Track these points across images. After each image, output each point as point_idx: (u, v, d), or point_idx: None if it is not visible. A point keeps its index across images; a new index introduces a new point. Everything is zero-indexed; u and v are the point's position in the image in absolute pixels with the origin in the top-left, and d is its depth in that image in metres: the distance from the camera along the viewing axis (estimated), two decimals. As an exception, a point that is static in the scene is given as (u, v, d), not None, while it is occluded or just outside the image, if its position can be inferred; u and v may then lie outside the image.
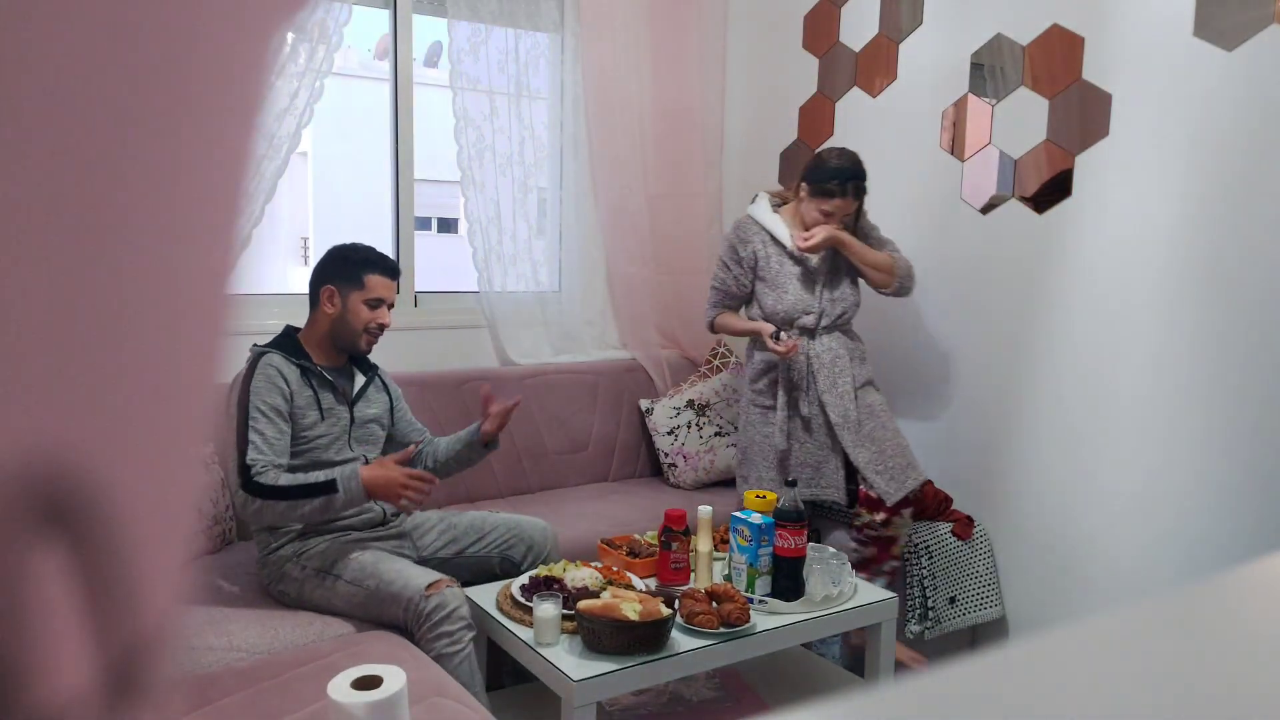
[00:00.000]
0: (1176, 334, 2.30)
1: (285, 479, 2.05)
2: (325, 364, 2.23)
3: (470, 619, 2.03)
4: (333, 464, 2.17)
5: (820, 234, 2.52)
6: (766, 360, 2.66)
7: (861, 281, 2.69)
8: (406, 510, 2.17)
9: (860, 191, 2.56)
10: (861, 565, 2.57)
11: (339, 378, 2.24)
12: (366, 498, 2.08)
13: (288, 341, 2.21)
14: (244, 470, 2.04)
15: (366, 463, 2.23)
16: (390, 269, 2.25)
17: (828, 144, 3.24)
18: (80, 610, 0.16)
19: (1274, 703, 0.34)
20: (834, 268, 2.65)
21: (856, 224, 2.63)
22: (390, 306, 2.25)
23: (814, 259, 2.62)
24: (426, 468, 2.41)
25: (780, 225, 2.66)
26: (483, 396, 2.35)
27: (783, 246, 2.64)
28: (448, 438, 2.42)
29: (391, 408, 2.36)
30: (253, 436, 2.05)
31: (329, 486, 2.04)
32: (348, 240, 2.31)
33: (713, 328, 2.79)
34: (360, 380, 2.29)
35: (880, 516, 2.56)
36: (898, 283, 2.61)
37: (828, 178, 2.53)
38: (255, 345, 2.20)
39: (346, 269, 2.21)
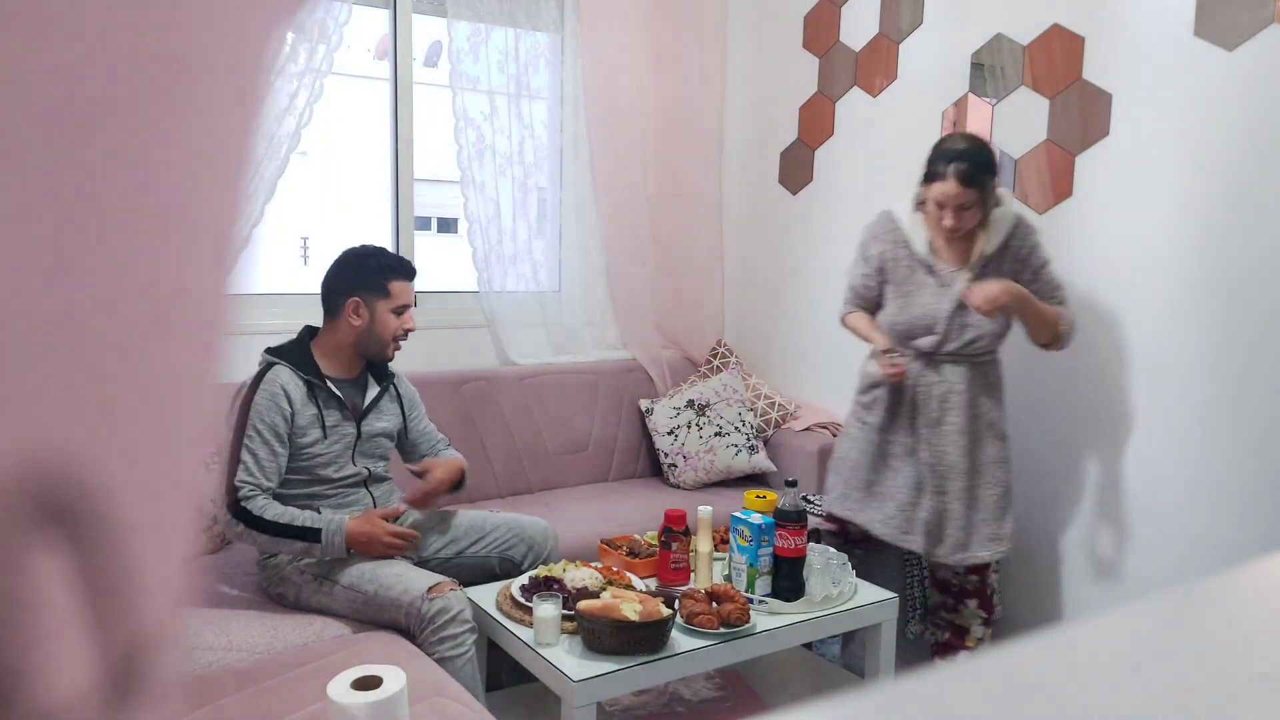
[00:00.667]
0: (1177, 333, 2.30)
1: (272, 512, 2.03)
2: (338, 375, 2.19)
3: (473, 622, 2.03)
4: (332, 480, 2.16)
5: (995, 289, 2.15)
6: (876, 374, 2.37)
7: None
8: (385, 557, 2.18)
9: (969, 178, 2.15)
10: (938, 650, 2.49)
11: (350, 391, 2.20)
12: (346, 551, 2.07)
13: (300, 352, 2.16)
14: (232, 490, 2.02)
15: (370, 475, 2.23)
16: (409, 271, 2.22)
17: (828, 142, 3.24)
18: (80, 610, 0.16)
19: (1272, 701, 0.34)
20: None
21: (984, 220, 2.24)
22: (412, 307, 2.24)
23: (957, 279, 2.27)
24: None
25: (917, 227, 2.33)
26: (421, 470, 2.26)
27: (914, 250, 2.33)
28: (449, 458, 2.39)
29: (404, 417, 2.33)
30: (245, 456, 2.04)
31: (313, 535, 2.04)
32: (351, 241, 2.29)
33: (843, 323, 2.50)
34: (373, 392, 2.25)
35: (948, 600, 2.46)
36: (1060, 343, 2.29)
37: (934, 160, 2.22)
38: (268, 352, 2.15)
39: (370, 278, 2.16)
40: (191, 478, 0.20)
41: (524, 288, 3.20)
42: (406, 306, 2.21)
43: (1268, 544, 2.12)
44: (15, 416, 0.15)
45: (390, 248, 3.05)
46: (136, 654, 0.17)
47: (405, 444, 2.37)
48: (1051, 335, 2.27)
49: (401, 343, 2.23)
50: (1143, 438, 2.39)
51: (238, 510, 2.02)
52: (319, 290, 2.23)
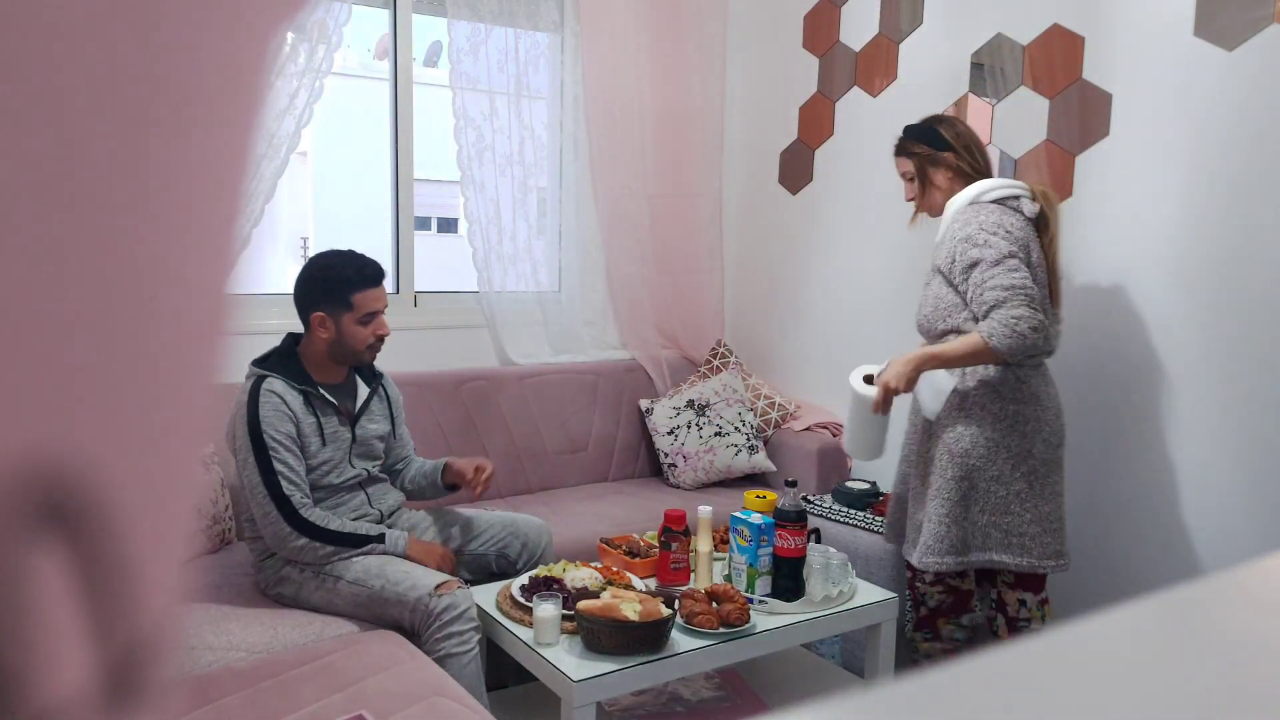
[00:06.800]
0: (1176, 333, 2.30)
1: (335, 524, 2.07)
2: (327, 381, 2.18)
3: (478, 620, 2.03)
4: (333, 486, 2.16)
5: (889, 375, 2.12)
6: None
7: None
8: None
9: (897, 147, 2.32)
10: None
11: (342, 396, 2.20)
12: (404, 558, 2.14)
13: (289, 362, 2.15)
14: (283, 503, 2.03)
15: (369, 475, 2.24)
16: (374, 277, 2.16)
17: (828, 142, 3.24)
18: (80, 610, 0.16)
19: (1273, 703, 0.34)
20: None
21: (923, 195, 2.28)
22: (384, 311, 2.18)
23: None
24: (403, 488, 2.40)
25: None
26: (472, 470, 2.30)
27: None
28: (417, 466, 2.39)
29: (392, 419, 2.33)
30: (280, 468, 2.04)
31: (376, 538, 2.11)
32: (350, 241, 2.29)
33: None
34: (363, 394, 2.25)
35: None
36: (1003, 359, 2.06)
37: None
38: (254, 366, 2.13)
39: (330, 292, 2.13)
40: (191, 478, 0.20)
41: (524, 288, 3.20)
42: (375, 314, 2.15)
43: (1268, 544, 2.12)
44: (15, 416, 0.15)
45: (390, 248, 3.06)
46: (136, 654, 0.17)
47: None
48: (985, 361, 2.10)
49: (378, 348, 2.20)
50: (1143, 438, 2.39)
51: (298, 521, 2.03)
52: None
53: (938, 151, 2.25)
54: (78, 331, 0.16)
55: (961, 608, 2.32)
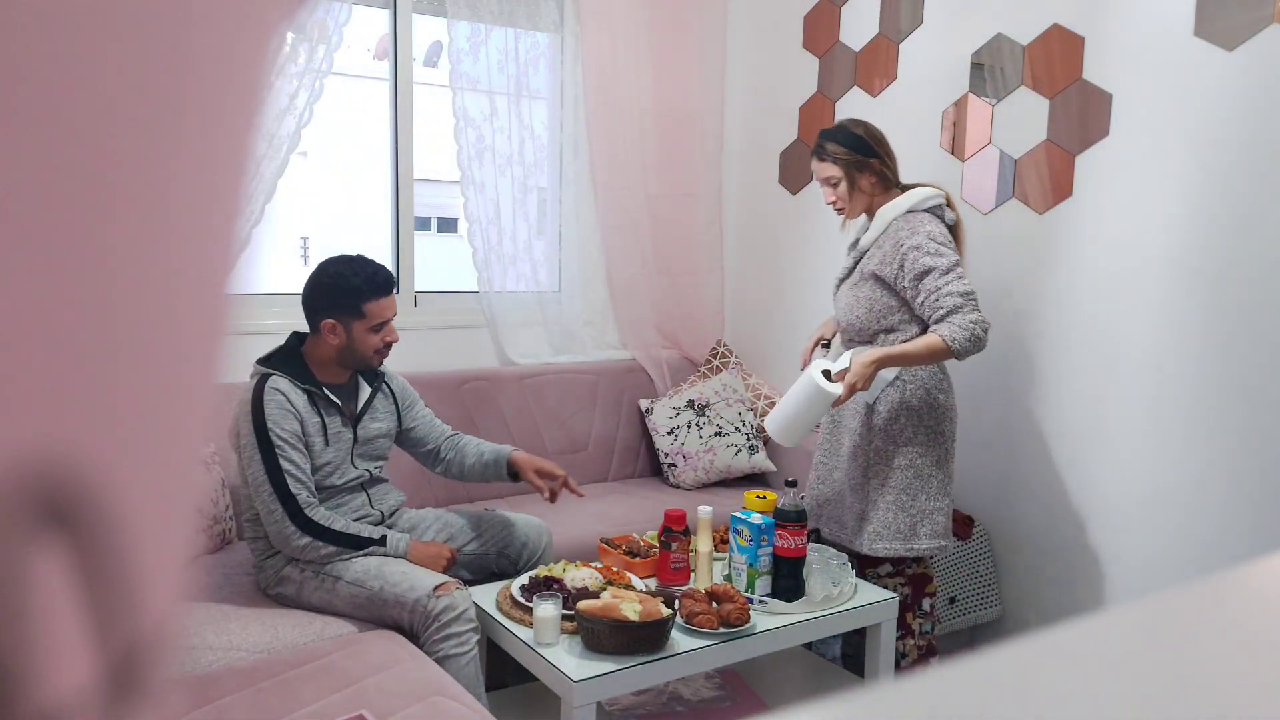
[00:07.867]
0: (1176, 333, 2.30)
1: (339, 524, 2.07)
2: (331, 381, 2.19)
3: (476, 621, 2.03)
4: (334, 487, 2.16)
5: (850, 376, 2.16)
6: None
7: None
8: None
9: (817, 150, 2.32)
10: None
11: (344, 396, 2.21)
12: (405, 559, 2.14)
13: (294, 361, 2.15)
14: (289, 500, 2.03)
15: (371, 477, 2.24)
16: (385, 285, 2.17)
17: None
18: (80, 610, 0.16)
19: (1272, 702, 0.34)
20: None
21: (850, 200, 2.31)
22: (394, 318, 2.20)
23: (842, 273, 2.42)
24: (450, 473, 2.39)
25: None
26: (554, 487, 2.30)
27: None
28: (475, 445, 2.37)
29: (399, 417, 2.33)
30: (286, 466, 2.04)
31: (379, 543, 2.10)
32: (351, 242, 2.28)
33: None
34: (365, 394, 2.25)
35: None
36: (960, 357, 2.17)
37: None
38: (259, 364, 2.14)
39: (343, 300, 2.13)
40: (191, 478, 0.20)
41: (524, 288, 3.20)
42: (385, 322, 2.17)
43: (1268, 544, 2.13)
44: (15, 416, 0.15)
45: (390, 248, 3.06)
46: (136, 654, 0.17)
47: (410, 440, 2.36)
48: (940, 360, 2.23)
49: (387, 353, 2.21)
50: (1143, 438, 2.39)
51: (302, 520, 2.03)
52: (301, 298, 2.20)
53: (865, 157, 2.30)
54: (78, 331, 0.16)
55: (920, 594, 2.40)
